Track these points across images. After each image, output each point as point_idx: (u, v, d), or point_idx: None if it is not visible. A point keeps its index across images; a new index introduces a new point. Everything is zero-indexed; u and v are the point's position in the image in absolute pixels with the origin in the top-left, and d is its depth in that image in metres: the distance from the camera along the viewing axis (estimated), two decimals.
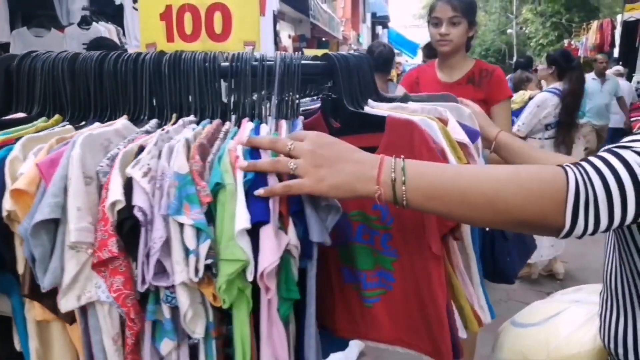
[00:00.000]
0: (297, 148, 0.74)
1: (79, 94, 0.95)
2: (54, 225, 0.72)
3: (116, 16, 4.06)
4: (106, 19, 4.10)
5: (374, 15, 19.39)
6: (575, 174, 0.71)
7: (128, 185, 0.73)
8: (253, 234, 0.74)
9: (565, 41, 17.00)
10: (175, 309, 0.75)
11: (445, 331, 0.91)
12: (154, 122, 0.92)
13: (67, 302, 0.74)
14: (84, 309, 0.77)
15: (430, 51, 3.42)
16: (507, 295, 3.65)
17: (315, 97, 1.36)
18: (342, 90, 1.01)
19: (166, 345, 0.77)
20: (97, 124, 0.91)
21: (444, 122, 0.96)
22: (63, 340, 0.83)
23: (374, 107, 1.04)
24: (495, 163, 1.11)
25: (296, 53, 1.11)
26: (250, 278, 0.75)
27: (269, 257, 0.73)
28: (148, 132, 0.87)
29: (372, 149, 0.94)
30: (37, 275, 0.73)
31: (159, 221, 0.72)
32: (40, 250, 0.71)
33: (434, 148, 0.88)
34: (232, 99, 0.96)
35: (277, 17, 5.02)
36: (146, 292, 0.75)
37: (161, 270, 0.73)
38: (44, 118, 0.95)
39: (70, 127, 0.91)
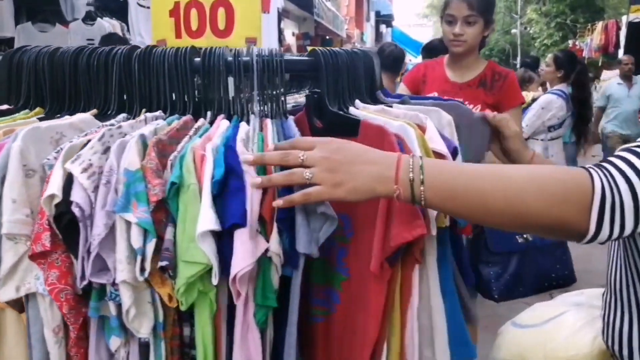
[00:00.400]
0: (309, 157, 0.72)
1: (57, 87, 0.95)
2: None
3: (120, 12, 4.08)
4: (110, 14, 4.11)
5: (377, 13, 19.35)
6: (600, 177, 0.69)
7: (70, 180, 0.72)
8: (230, 237, 0.72)
9: (570, 42, 16.84)
10: (121, 307, 0.74)
11: None
12: (121, 116, 0.91)
13: (5, 292, 0.74)
14: (27, 299, 0.77)
15: (429, 53, 3.32)
16: None
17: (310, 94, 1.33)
18: (325, 88, 0.97)
19: (114, 341, 0.76)
20: (66, 116, 0.91)
21: (422, 130, 0.89)
22: (17, 327, 0.83)
23: (359, 109, 0.98)
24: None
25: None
26: (215, 282, 0.73)
27: (241, 262, 0.71)
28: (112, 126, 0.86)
29: None
30: None
31: (99, 218, 0.71)
32: None
33: None
34: (207, 96, 0.95)
35: (281, 14, 5.01)
36: (90, 288, 0.74)
37: (105, 267, 0.73)
38: (26, 110, 0.96)
39: (34, 119, 0.92)
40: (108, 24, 3.98)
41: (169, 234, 0.73)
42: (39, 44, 1.03)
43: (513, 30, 26.43)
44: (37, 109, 0.97)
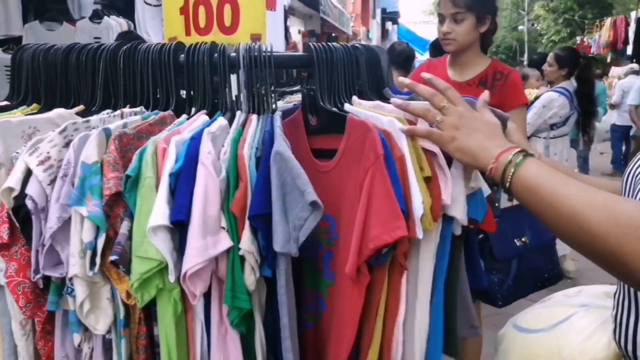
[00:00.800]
0: (449, 108, 0.82)
1: (50, 83, 0.97)
2: None
3: (127, 10, 4.09)
4: (117, 12, 4.12)
5: (384, 11, 19.26)
6: None
7: (30, 173, 0.72)
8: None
9: (578, 38, 16.75)
10: None
11: None
12: (105, 112, 0.91)
13: None
14: None
15: (436, 50, 3.36)
16: None
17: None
18: (318, 84, 0.94)
19: (75, 337, 0.76)
20: (56, 110, 0.93)
21: (413, 125, 0.85)
22: None
23: (354, 105, 0.94)
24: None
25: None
26: (171, 279, 0.70)
27: (189, 261, 0.68)
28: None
29: (334, 152, 0.88)
30: None
31: (53, 211, 0.70)
32: None
33: (381, 155, 0.78)
34: (192, 92, 0.94)
35: (288, 12, 5.01)
36: (50, 282, 0.74)
37: (61, 261, 0.72)
38: (23, 107, 0.98)
39: (20, 114, 0.93)
40: (115, 22, 3.99)
41: (123, 228, 0.71)
42: (47, 42, 1.05)
43: (520, 27, 26.23)
44: (34, 105, 0.98)
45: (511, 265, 1.39)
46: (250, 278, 0.74)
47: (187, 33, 1.55)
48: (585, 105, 3.61)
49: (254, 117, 0.90)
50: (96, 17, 3.99)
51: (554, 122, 3.66)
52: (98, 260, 0.70)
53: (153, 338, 0.79)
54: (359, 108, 0.92)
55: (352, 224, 0.79)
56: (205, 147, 0.75)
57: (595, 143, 6.03)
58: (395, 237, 0.74)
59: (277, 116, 0.90)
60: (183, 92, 0.97)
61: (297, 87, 1.50)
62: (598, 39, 12.93)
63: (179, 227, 0.71)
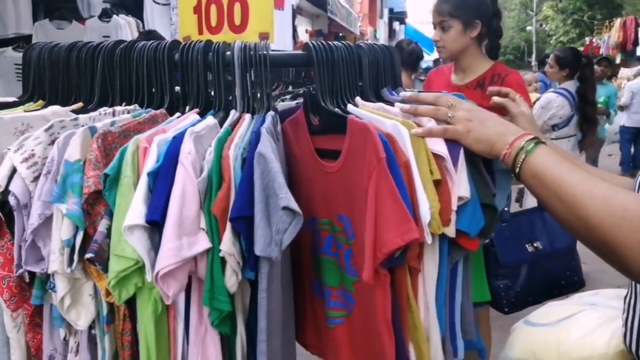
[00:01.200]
0: (457, 104, 0.85)
1: (53, 81, 0.99)
2: None
3: (136, 9, 4.11)
4: (126, 11, 4.14)
5: (391, 11, 19.23)
6: None
7: (15, 170, 0.74)
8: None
9: (587, 39, 16.61)
10: None
11: None
12: (99, 110, 0.92)
13: None
14: None
15: None
16: None
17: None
18: (318, 84, 0.92)
19: (61, 331, 0.77)
20: (51, 107, 0.94)
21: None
22: None
23: (358, 106, 0.92)
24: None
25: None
26: (148, 279, 0.71)
27: (162, 261, 0.68)
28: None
29: (337, 153, 0.87)
30: None
31: (35, 208, 0.72)
32: None
33: (383, 158, 0.77)
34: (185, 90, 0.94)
35: (295, 11, 5.01)
36: (34, 277, 0.75)
37: (43, 257, 0.73)
38: (30, 103, 1.00)
39: (20, 111, 0.95)
40: (124, 21, 4.02)
41: (102, 226, 0.72)
42: (56, 40, 1.07)
43: (528, 28, 26.02)
44: (39, 102, 1.01)
45: (520, 271, 1.35)
46: (231, 280, 0.73)
47: (200, 32, 1.56)
48: (582, 106, 3.53)
49: (247, 116, 0.89)
50: (105, 15, 4.03)
51: (555, 123, 3.60)
52: (76, 257, 0.71)
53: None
54: (362, 110, 0.91)
55: (365, 222, 0.79)
56: (186, 147, 0.74)
57: (605, 145, 5.97)
58: (407, 240, 0.74)
59: (269, 116, 0.88)
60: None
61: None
62: (607, 39, 12.81)
63: (158, 227, 0.71)
